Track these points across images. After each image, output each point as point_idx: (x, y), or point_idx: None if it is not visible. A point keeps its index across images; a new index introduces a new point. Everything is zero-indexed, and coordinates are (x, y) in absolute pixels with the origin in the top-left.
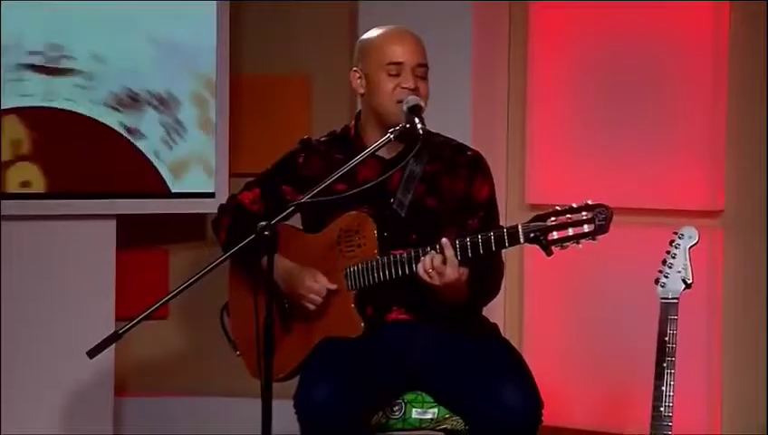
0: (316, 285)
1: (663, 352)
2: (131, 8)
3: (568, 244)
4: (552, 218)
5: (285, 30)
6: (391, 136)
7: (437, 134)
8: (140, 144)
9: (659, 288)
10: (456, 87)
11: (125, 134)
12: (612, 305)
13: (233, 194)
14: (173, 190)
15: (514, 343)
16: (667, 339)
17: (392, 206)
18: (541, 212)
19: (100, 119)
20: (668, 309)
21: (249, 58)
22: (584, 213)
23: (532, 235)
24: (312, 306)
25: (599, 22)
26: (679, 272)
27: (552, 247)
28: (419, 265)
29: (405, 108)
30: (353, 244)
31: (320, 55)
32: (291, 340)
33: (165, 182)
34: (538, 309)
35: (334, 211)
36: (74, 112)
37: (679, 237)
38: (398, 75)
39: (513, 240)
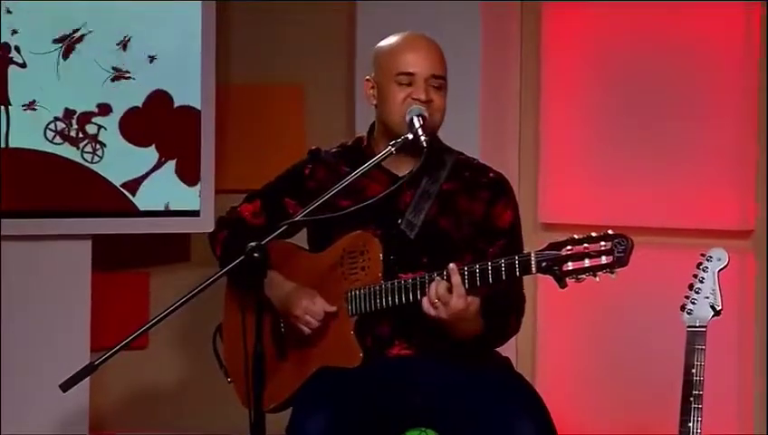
0: (313, 306)
1: (690, 385)
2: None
3: (584, 276)
4: (568, 247)
5: (277, 36)
6: (392, 149)
7: (459, 152)
8: None
9: (685, 315)
10: (463, 96)
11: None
12: (634, 334)
13: (233, 206)
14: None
15: (527, 376)
16: (693, 371)
17: (399, 226)
18: (555, 240)
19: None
20: (695, 338)
21: (237, 66)
22: (603, 243)
23: (545, 264)
24: (307, 330)
25: (618, 24)
26: (707, 298)
27: (567, 279)
28: (423, 299)
29: (407, 118)
30: (357, 266)
31: (314, 63)
32: (285, 367)
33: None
34: (553, 338)
35: (341, 229)
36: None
37: (707, 260)
38: (409, 86)
39: (525, 269)
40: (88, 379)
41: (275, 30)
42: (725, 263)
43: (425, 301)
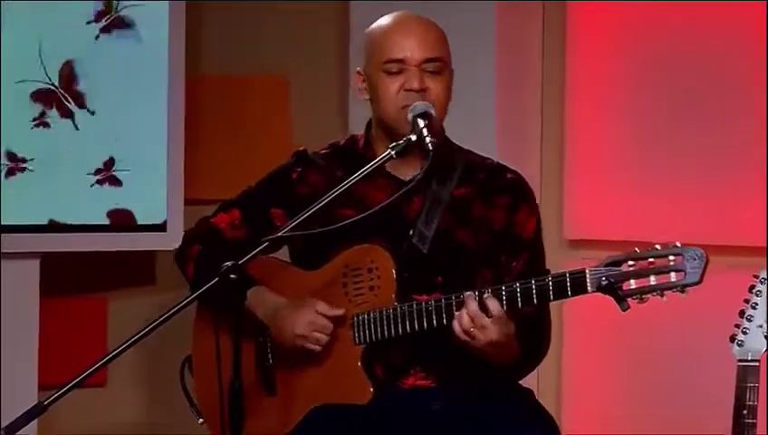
0: (320, 319)
1: (741, 428)
2: None
3: (648, 296)
4: (630, 263)
5: (257, 23)
6: (392, 152)
7: (469, 151)
8: None
9: (736, 347)
10: (477, 100)
11: None
12: (675, 367)
13: (204, 217)
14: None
15: (550, 406)
16: (745, 412)
17: (411, 239)
18: (615, 255)
19: None
20: (747, 374)
21: (213, 56)
22: (672, 257)
23: (604, 282)
24: (317, 348)
25: (650, 24)
26: (761, 326)
27: (629, 300)
28: (455, 324)
29: (410, 116)
30: (363, 285)
31: (300, 52)
32: (275, 405)
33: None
34: (580, 369)
35: (339, 244)
36: None
37: (761, 282)
38: (400, 74)
39: (578, 289)
40: (36, 421)
41: (255, 17)
42: None
43: (456, 327)
